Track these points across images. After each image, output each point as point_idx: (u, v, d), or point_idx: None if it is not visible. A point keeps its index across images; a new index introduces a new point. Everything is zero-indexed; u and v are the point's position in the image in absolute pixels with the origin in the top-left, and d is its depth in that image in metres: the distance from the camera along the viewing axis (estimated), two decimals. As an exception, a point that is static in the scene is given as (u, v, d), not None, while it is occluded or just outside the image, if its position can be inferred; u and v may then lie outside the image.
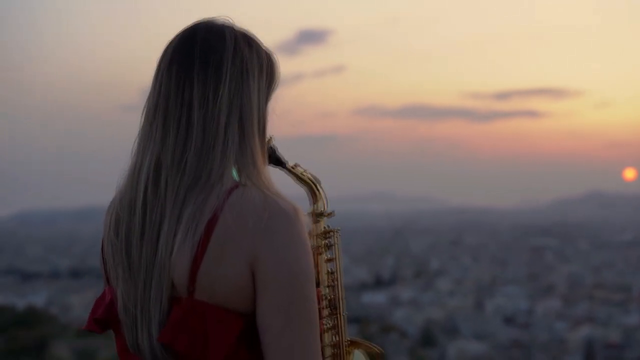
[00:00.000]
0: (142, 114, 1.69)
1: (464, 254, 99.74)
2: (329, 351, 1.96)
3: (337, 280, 2.02)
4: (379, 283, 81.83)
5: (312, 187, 2.07)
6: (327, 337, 1.95)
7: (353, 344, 2.03)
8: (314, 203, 2.07)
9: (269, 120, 1.76)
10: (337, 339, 1.97)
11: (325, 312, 1.97)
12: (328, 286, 2.00)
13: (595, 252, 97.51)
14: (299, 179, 2.05)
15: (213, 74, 1.66)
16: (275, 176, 1.82)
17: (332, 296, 1.99)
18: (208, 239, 1.56)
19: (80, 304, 62.42)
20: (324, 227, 2.06)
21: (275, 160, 1.97)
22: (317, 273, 1.98)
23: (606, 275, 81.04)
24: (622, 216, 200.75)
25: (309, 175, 2.06)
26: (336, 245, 2.05)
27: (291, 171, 2.03)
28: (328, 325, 1.96)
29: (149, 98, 1.70)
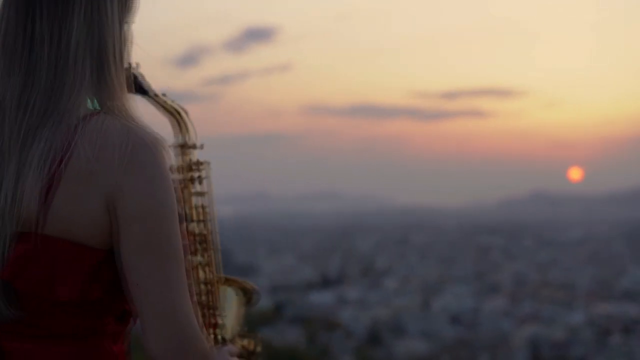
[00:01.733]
0: None
1: (410, 253, 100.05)
2: (201, 288, 1.93)
3: (208, 215, 1.96)
4: (325, 282, 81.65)
5: (177, 117, 1.96)
6: (199, 274, 1.93)
7: (227, 281, 2.02)
8: (180, 134, 1.98)
9: (129, 46, 1.65)
10: (210, 275, 1.94)
11: (197, 247, 1.93)
12: (198, 221, 1.94)
13: (540, 251, 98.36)
14: (164, 108, 1.95)
15: (61, 4, 1.55)
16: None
17: (203, 231, 1.94)
18: (60, 173, 1.48)
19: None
20: (192, 160, 1.98)
21: (139, 88, 1.85)
22: (186, 208, 1.94)
23: (551, 273, 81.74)
24: (567, 215, 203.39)
25: (175, 105, 1.97)
26: (208, 179, 1.98)
27: (156, 100, 1.93)
28: (200, 262, 1.93)
29: None
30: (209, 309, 1.94)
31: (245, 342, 2.00)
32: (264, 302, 66.50)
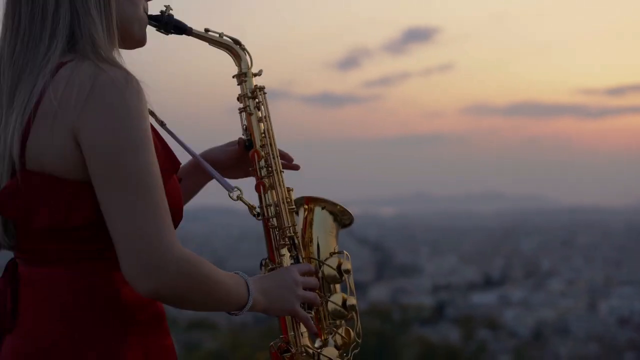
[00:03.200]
0: None
1: (576, 254, 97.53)
2: (271, 210, 1.96)
3: (270, 139, 2.00)
4: (488, 283, 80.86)
5: (231, 48, 1.98)
6: (269, 196, 1.97)
7: (314, 201, 2.06)
8: (237, 64, 1.99)
9: None
10: (276, 196, 1.96)
11: (263, 172, 1.97)
12: (262, 146, 1.98)
13: None
14: (214, 42, 1.95)
15: None
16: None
17: (268, 155, 1.98)
18: (34, 115, 1.62)
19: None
20: (251, 87, 1.99)
21: (176, 28, 1.88)
22: (251, 134, 1.99)
23: None
24: None
25: (226, 37, 1.96)
26: (264, 104, 2.00)
27: (202, 36, 1.94)
28: (267, 184, 1.97)
29: None
30: (279, 229, 1.98)
31: (337, 259, 2.06)
32: (426, 301, 66.65)
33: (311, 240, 2.08)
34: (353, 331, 2.08)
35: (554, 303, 67.71)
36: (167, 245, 1.60)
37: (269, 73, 2.05)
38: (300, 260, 2.00)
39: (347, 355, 2.08)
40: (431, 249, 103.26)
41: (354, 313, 2.08)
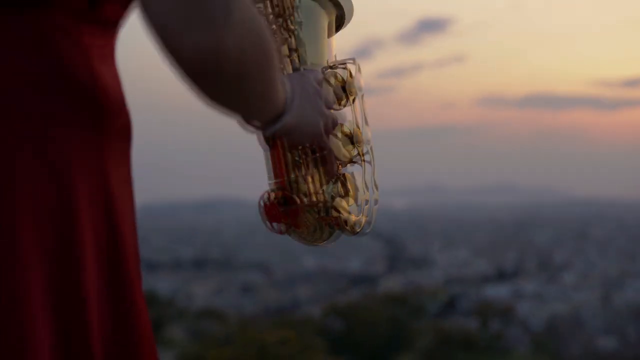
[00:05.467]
0: None
1: (590, 246, 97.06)
2: None
3: None
4: (501, 276, 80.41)
5: None
6: None
7: None
8: None
9: None
10: None
11: None
12: None
13: None
14: None
15: None
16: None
17: None
18: None
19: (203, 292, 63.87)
20: None
21: None
22: None
23: None
24: None
25: None
26: None
27: None
28: None
29: None
30: (279, 17, 1.36)
31: (338, 70, 1.38)
32: (439, 294, 66.22)
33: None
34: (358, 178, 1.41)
35: (568, 296, 67.51)
36: None
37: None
38: (298, 65, 1.36)
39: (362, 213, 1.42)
40: (444, 242, 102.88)
41: (369, 149, 1.39)
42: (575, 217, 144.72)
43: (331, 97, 1.34)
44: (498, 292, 69.37)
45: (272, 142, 1.32)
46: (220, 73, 1.03)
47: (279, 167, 1.34)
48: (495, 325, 51.44)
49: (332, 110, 1.33)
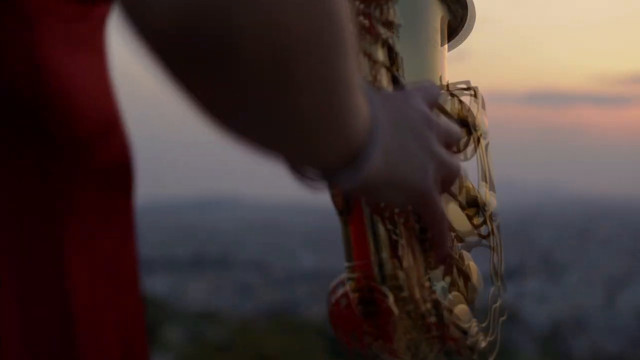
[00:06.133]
0: None
1: (594, 245, 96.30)
2: None
3: None
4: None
5: None
6: None
7: None
8: None
9: None
10: None
11: None
12: None
13: None
14: None
15: None
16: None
17: None
18: None
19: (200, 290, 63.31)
20: None
21: None
22: None
23: None
24: None
25: None
26: None
27: None
28: None
29: None
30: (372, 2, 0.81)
31: (457, 97, 0.90)
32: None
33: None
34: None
35: (571, 296, 66.97)
36: None
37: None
38: (400, 79, 0.82)
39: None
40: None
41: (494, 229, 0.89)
42: (579, 215, 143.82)
43: (455, 131, 0.83)
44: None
45: (344, 203, 0.82)
46: (229, 55, 0.55)
47: (360, 243, 0.83)
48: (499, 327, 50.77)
49: (450, 153, 0.81)
